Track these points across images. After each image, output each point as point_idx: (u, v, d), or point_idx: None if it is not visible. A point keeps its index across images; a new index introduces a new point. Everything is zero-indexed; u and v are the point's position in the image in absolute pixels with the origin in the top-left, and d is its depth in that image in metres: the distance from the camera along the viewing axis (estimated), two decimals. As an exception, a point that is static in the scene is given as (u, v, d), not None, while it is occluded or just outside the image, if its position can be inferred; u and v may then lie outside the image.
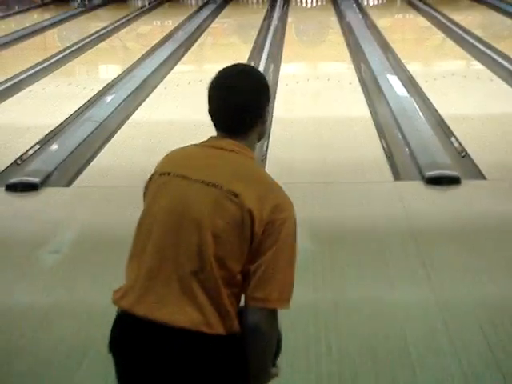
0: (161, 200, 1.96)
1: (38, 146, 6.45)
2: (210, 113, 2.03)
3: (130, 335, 1.93)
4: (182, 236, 1.89)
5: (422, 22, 13.87)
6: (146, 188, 2.06)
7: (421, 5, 15.61)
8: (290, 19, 14.91)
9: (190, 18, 14.91)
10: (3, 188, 5.33)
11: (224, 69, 2.04)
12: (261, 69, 9.36)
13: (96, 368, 3.06)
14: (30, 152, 6.29)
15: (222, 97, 2.00)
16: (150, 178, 2.05)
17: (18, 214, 4.99)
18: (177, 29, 13.41)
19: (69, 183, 5.58)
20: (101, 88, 8.67)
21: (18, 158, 6.13)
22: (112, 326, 1.98)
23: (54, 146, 6.39)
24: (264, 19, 14.44)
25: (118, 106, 7.73)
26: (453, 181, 5.16)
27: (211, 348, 1.87)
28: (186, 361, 1.86)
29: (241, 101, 1.97)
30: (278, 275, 1.88)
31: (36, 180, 5.37)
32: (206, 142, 2.05)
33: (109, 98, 8.06)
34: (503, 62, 9.22)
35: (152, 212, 1.97)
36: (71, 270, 4.10)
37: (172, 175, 1.98)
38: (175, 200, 1.92)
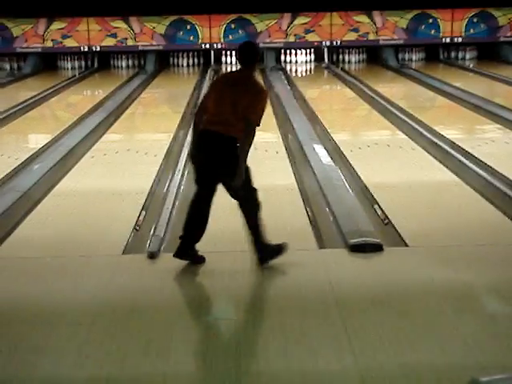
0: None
1: (-43, 216, 6.29)
2: None
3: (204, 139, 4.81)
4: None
5: (349, 93, 14.27)
6: None
7: (347, 76, 16.11)
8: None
9: (121, 87, 14.99)
10: None
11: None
12: (189, 138, 9.44)
13: None
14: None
15: None
16: None
17: None
18: (107, 98, 13.45)
19: (-11, 254, 5.44)
20: (27, 157, 8.57)
21: None
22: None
23: (-25, 216, 6.23)
24: (194, 89, 14.63)
25: (44, 175, 7.64)
26: (376, 248, 5.24)
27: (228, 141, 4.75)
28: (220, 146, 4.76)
29: None
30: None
31: (-47, 251, 5.21)
32: None
33: (34, 167, 7.97)
34: (424, 132, 9.53)
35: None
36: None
37: None
38: None
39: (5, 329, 4.16)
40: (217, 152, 4.75)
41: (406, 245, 5.48)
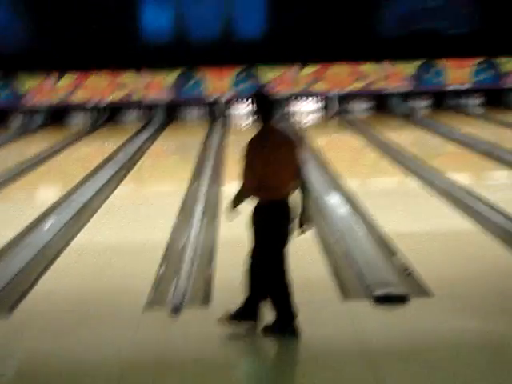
0: None
1: (-26, 275, 6.24)
2: None
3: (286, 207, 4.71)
4: None
5: (358, 141, 14.31)
6: None
7: (355, 125, 16.18)
8: (230, 140, 15.19)
9: (130, 140, 15.07)
10: None
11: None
12: (202, 189, 9.43)
13: None
14: (-33, 280, 6.07)
15: None
16: None
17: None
18: (117, 151, 13.50)
19: (8, 312, 5.38)
20: (40, 213, 8.54)
21: (-46, 287, 5.91)
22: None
23: (-8, 275, 6.18)
24: (204, 140, 14.69)
25: (59, 231, 7.61)
26: (401, 299, 5.17)
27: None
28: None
29: None
30: None
31: (-27, 311, 5.15)
32: None
33: (48, 223, 7.94)
34: (437, 179, 9.52)
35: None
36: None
37: None
38: None
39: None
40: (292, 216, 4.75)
41: (430, 294, 5.41)
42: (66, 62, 17.98)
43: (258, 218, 4.64)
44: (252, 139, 4.70)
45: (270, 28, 18.22)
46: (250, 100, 4.77)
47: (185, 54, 18.12)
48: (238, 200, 4.81)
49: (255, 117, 4.73)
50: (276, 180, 4.63)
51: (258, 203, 4.65)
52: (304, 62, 18.05)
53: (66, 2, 17.79)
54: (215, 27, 18.37)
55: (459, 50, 18.04)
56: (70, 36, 17.95)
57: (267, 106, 4.72)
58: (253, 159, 4.61)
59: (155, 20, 18.45)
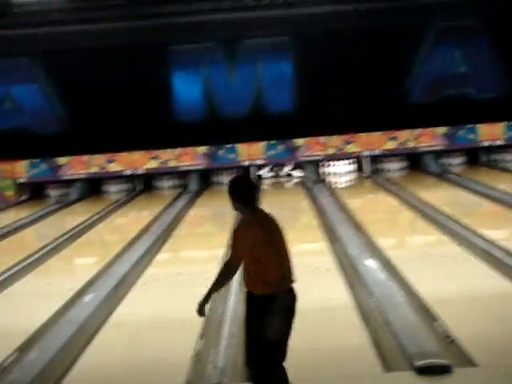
0: None
1: (16, 354, 6.29)
2: None
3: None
4: None
5: (392, 201, 14.27)
6: None
7: (389, 185, 16.16)
8: (263, 205, 15.23)
9: (166, 208, 15.21)
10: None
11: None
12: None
13: None
14: (9, 360, 6.11)
15: None
16: None
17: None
18: (153, 220, 13.62)
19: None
20: (80, 286, 8.62)
21: (-4, 368, 5.97)
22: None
23: (33, 353, 6.21)
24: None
25: (98, 305, 7.65)
26: (444, 370, 5.08)
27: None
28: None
29: None
30: None
31: (15, 392, 5.18)
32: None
33: (88, 297, 7.99)
34: (476, 239, 9.41)
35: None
36: None
37: None
38: None
39: None
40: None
41: (475, 364, 5.31)
42: (99, 144, 18.40)
43: (280, 306, 4.46)
44: (250, 225, 4.45)
45: (300, 102, 18.46)
46: (229, 186, 4.54)
47: (216, 130, 18.43)
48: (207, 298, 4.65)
49: (237, 203, 4.50)
50: (290, 264, 4.65)
51: (273, 292, 4.40)
52: (334, 133, 18.22)
53: (100, 84, 18.26)
54: (245, 102, 18.68)
55: (489, 115, 18.03)
56: (105, 118, 18.41)
57: (251, 189, 4.60)
58: (266, 245, 4.39)
59: (186, 97, 18.84)
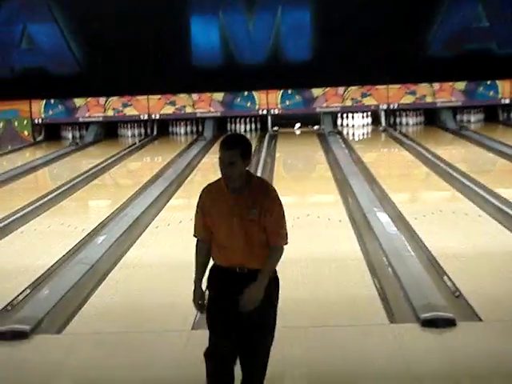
0: None
1: (28, 291, 6.41)
2: None
3: None
4: None
5: (407, 156, 14.22)
6: None
7: (404, 139, 16.07)
8: (278, 154, 15.26)
9: (180, 154, 15.24)
10: (-7, 336, 5.24)
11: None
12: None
13: None
14: (21, 297, 6.23)
15: None
16: None
17: (7, 363, 4.89)
18: (167, 166, 13.67)
19: (60, 329, 5.51)
20: (93, 227, 8.72)
21: (8, 303, 6.08)
22: None
23: (45, 291, 6.33)
24: (253, 154, 14.75)
25: (110, 246, 7.74)
26: (449, 323, 5.13)
27: None
28: None
29: None
30: None
31: (26, 328, 5.29)
32: None
33: (101, 238, 8.09)
34: (489, 197, 9.39)
35: None
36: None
37: None
38: None
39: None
40: None
41: (480, 319, 5.36)
42: (116, 86, 18.28)
43: (276, 292, 3.85)
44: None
45: (318, 51, 18.22)
46: (240, 142, 3.71)
47: (233, 77, 18.24)
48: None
49: (245, 165, 3.70)
50: None
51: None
52: (351, 84, 18.02)
53: (118, 25, 18.08)
54: (263, 49, 18.46)
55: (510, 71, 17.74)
56: (122, 60, 18.25)
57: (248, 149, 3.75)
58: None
59: (204, 43, 18.64)
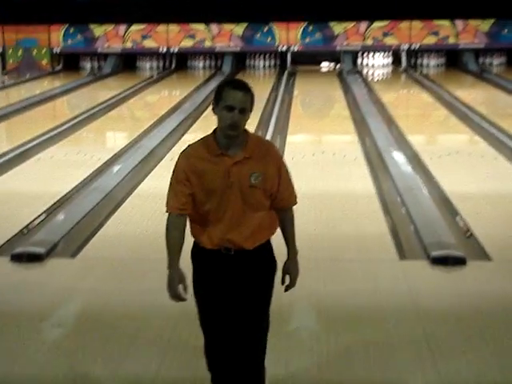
0: None
1: (44, 216, 6.49)
2: None
3: None
4: None
5: (427, 97, 14.08)
6: None
7: (424, 81, 15.89)
8: (296, 92, 15.15)
9: (198, 88, 15.17)
10: (8, 258, 5.34)
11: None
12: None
13: None
14: (37, 221, 6.32)
15: None
16: None
17: (21, 285, 4.99)
18: (185, 99, 13.63)
19: (75, 254, 5.60)
20: (109, 157, 8.76)
21: (24, 227, 6.17)
22: None
23: (61, 216, 6.42)
24: (271, 91, 14.67)
25: (126, 176, 7.80)
26: (458, 261, 5.16)
27: None
28: None
29: None
30: None
31: (41, 250, 5.38)
32: None
33: (116, 168, 8.14)
34: (507, 140, 9.31)
35: None
36: (74, 345, 4.07)
37: None
38: None
39: (93, 327, 4.28)
40: None
41: (490, 259, 5.38)
42: (134, 13, 18.04)
43: (274, 270, 3.25)
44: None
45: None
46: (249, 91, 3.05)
47: (252, 7, 17.92)
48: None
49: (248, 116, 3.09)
50: None
51: (268, 246, 3.21)
52: (374, 19, 17.70)
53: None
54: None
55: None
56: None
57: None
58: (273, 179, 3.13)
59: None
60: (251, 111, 3.07)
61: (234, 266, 3.10)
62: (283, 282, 3.23)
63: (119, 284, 4.98)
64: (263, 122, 10.93)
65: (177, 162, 3.13)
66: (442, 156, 8.79)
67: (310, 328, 4.34)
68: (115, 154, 8.97)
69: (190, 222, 3.15)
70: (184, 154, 3.12)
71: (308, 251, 5.47)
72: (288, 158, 8.63)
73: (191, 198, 3.08)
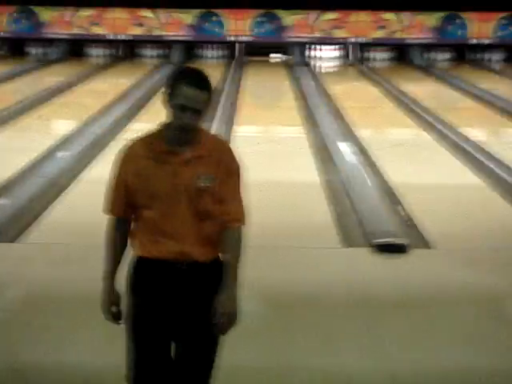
0: None
1: (-15, 200, 6.38)
2: None
3: None
4: None
5: (374, 91, 14.22)
6: None
7: (372, 74, 16.05)
8: (244, 83, 15.14)
9: (146, 77, 15.04)
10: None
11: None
12: (213, 130, 9.45)
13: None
14: (-22, 205, 6.21)
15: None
16: None
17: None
18: (132, 88, 13.50)
19: (17, 239, 5.51)
20: (53, 144, 8.64)
21: (-35, 211, 6.05)
22: None
23: (3, 201, 6.31)
24: (219, 81, 14.64)
25: (70, 162, 7.71)
26: (400, 249, 5.25)
27: None
28: None
29: None
30: None
31: (-19, 234, 5.29)
32: None
33: (61, 154, 8.03)
34: (450, 134, 9.50)
35: None
36: (14, 332, 4.02)
37: None
38: None
39: (34, 314, 4.23)
40: None
41: (431, 247, 5.49)
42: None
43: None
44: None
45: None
46: (206, 80, 2.68)
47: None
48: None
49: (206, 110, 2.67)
50: None
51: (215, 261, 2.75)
52: (324, 9, 17.81)
53: None
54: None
55: (484, 2, 17.63)
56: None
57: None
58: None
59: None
60: (210, 100, 2.62)
61: (185, 280, 2.65)
62: (211, 320, 2.64)
63: (59, 270, 4.92)
64: (210, 112, 10.88)
65: (116, 162, 2.72)
66: (387, 147, 8.91)
67: (255, 315, 4.36)
68: (61, 141, 8.84)
69: (131, 230, 2.76)
70: (124, 152, 2.71)
71: (253, 239, 5.50)
72: (234, 148, 8.63)
73: (130, 204, 2.69)
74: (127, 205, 2.71)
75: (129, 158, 2.69)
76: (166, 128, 2.67)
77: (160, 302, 2.67)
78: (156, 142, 2.67)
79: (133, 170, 2.67)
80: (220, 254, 2.73)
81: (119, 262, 2.77)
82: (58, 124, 11.19)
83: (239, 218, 2.74)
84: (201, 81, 2.63)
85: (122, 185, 2.69)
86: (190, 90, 2.57)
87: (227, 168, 2.69)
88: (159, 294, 2.66)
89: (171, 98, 2.60)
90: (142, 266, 2.71)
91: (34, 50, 18.64)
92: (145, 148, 2.68)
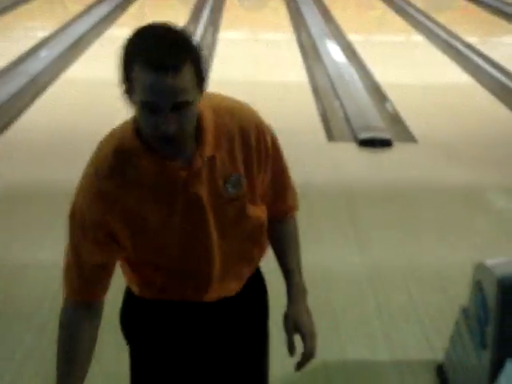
0: None
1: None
2: None
3: None
4: None
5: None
6: None
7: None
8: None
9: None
10: None
11: None
12: (199, 31, 9.23)
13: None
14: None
15: None
16: None
17: None
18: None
19: (-4, 136, 5.44)
20: (35, 43, 8.43)
21: None
22: None
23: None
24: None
25: (52, 61, 7.54)
26: (385, 143, 5.20)
27: None
28: None
29: None
30: None
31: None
32: None
33: (42, 54, 7.85)
34: (441, 33, 9.32)
35: None
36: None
37: None
38: None
39: (12, 208, 4.20)
40: None
41: (415, 141, 5.44)
42: None
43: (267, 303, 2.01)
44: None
45: None
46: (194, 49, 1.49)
47: None
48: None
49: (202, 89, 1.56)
50: None
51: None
52: None
53: None
54: None
55: None
56: None
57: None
58: None
59: None
60: (203, 80, 1.51)
61: (211, 319, 1.80)
62: (291, 349, 1.72)
63: (35, 169, 4.85)
64: (196, 12, 10.63)
65: (75, 209, 1.60)
66: (376, 45, 8.75)
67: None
68: (41, 41, 8.62)
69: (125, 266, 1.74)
70: (91, 186, 1.60)
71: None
72: (220, 48, 8.47)
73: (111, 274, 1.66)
74: (104, 285, 1.65)
75: (103, 193, 1.59)
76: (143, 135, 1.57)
77: (178, 349, 1.81)
78: (140, 154, 1.57)
79: (120, 212, 1.59)
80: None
81: (86, 369, 1.64)
82: (38, 25, 10.88)
83: (296, 203, 1.89)
84: (170, 54, 1.45)
85: (94, 246, 1.60)
86: (154, 77, 1.44)
87: (258, 149, 1.69)
88: (178, 339, 1.80)
89: (130, 93, 1.52)
90: (146, 308, 1.79)
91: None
92: (127, 167, 1.59)
